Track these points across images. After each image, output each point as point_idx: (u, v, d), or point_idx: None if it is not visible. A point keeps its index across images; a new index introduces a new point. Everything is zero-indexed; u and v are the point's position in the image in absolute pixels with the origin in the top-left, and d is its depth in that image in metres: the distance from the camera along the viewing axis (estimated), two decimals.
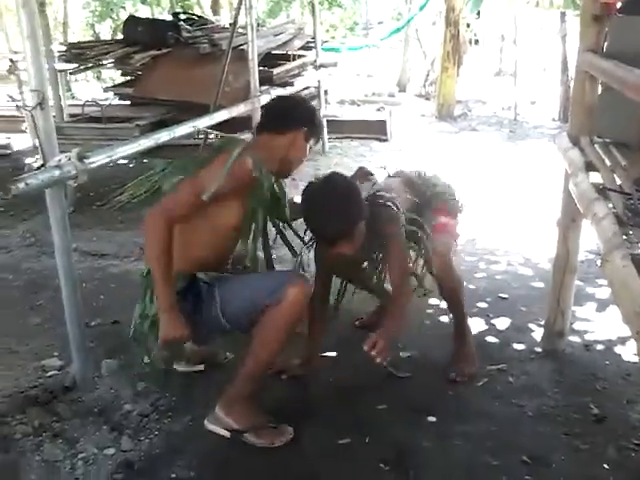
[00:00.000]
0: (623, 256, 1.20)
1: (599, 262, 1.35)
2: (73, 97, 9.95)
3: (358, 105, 9.72)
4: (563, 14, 8.53)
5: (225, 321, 2.10)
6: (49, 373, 2.57)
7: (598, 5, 2.18)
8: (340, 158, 6.40)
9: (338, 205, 2.07)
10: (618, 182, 1.78)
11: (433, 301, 3.05)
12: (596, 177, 2.00)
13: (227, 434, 2.17)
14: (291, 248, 2.47)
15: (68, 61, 5.17)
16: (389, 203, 2.30)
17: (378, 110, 8.99)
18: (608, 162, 1.96)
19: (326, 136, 6.65)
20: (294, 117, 2.20)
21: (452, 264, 2.49)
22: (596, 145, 2.21)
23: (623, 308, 1.15)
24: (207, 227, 2.11)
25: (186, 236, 2.10)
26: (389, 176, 2.76)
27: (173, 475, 2.01)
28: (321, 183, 2.18)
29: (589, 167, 2.04)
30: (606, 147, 2.15)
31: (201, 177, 2.05)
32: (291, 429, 2.18)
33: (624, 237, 1.35)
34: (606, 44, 2.23)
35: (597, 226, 1.50)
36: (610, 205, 1.62)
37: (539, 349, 2.70)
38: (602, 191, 1.70)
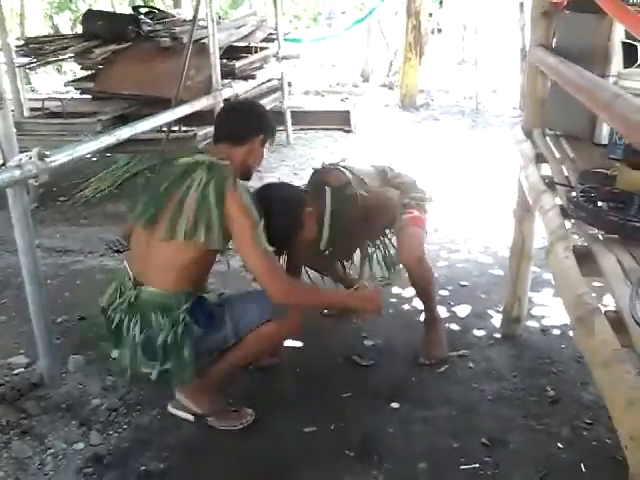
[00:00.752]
0: (565, 247, 1.27)
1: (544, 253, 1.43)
2: (33, 90, 9.77)
3: (322, 96, 9.74)
4: (522, 4, 8.66)
5: (234, 337, 2.14)
6: (15, 371, 2.57)
7: (547, 2, 2.25)
8: (304, 149, 6.43)
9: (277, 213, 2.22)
10: (566, 174, 1.86)
11: (396, 290, 3.12)
12: (547, 169, 2.09)
13: (191, 418, 2.24)
14: None
15: (26, 55, 5.08)
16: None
17: (342, 101, 9.03)
18: (558, 154, 2.04)
19: (290, 127, 6.68)
20: (249, 127, 2.22)
21: (423, 254, 2.59)
22: (548, 137, 2.29)
23: (564, 297, 1.23)
24: (211, 255, 2.13)
25: (193, 263, 2.07)
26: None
27: (143, 467, 2.05)
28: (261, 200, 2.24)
29: (540, 159, 2.12)
30: (557, 139, 2.24)
31: (253, 230, 2.00)
32: (251, 411, 2.27)
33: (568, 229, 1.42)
34: (555, 40, 2.31)
35: (544, 218, 1.57)
36: (557, 197, 1.69)
37: (498, 335, 2.79)
38: (549, 184, 1.78)
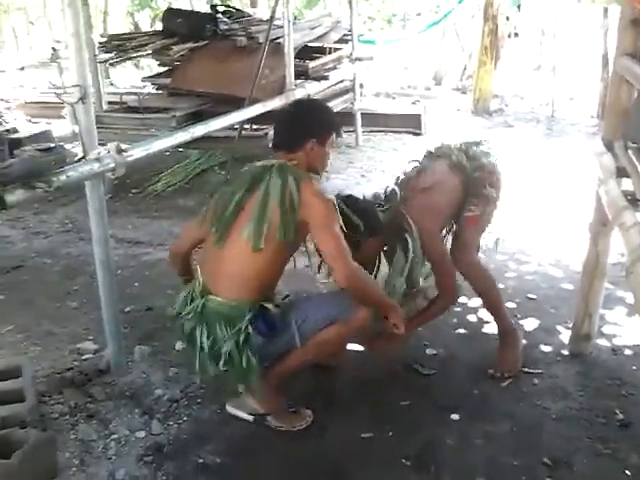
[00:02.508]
0: None
1: (624, 272, 1.36)
2: (112, 84, 10.12)
3: (393, 98, 9.68)
4: (606, 9, 8.35)
5: (299, 340, 2.14)
6: (84, 356, 2.67)
7: (637, 10, 2.16)
8: (373, 152, 6.40)
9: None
10: None
11: (461, 299, 3.06)
12: (628, 183, 2.00)
13: (249, 418, 2.26)
14: None
15: (108, 52, 5.27)
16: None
17: (413, 104, 8.95)
18: None
19: (360, 129, 6.66)
20: (297, 134, 2.20)
21: (478, 263, 2.54)
22: (630, 150, 2.19)
23: None
24: (280, 262, 2.15)
25: (264, 269, 2.10)
26: (432, 155, 2.78)
27: (200, 460, 2.09)
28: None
29: (621, 173, 2.03)
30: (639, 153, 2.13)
31: (330, 212, 2.07)
32: (310, 412, 2.27)
33: None
34: None
35: (624, 235, 1.51)
36: (639, 214, 1.62)
37: (566, 351, 2.70)
38: (632, 200, 1.70)
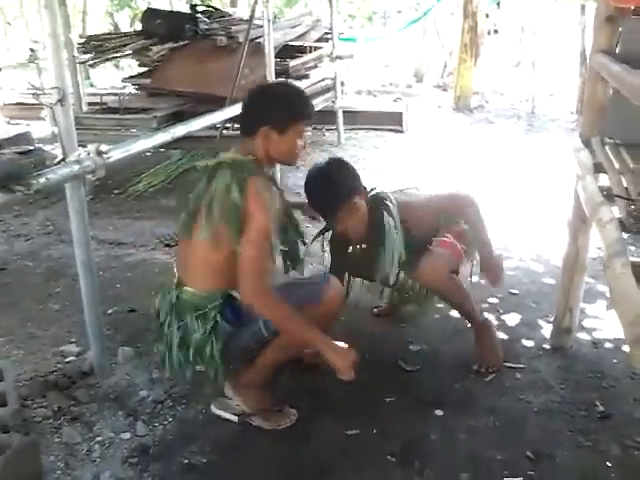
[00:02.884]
0: (623, 264, 1.24)
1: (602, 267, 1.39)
2: (92, 85, 10.03)
3: (375, 96, 9.72)
4: (583, 6, 8.45)
5: (266, 332, 2.10)
6: (67, 359, 2.66)
7: (612, 7, 2.19)
8: (355, 149, 6.42)
9: (331, 177, 2.40)
10: (625, 185, 1.80)
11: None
12: (606, 179, 2.02)
13: (234, 418, 2.25)
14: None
15: (87, 52, 5.23)
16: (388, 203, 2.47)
17: (395, 101, 8.99)
18: (617, 164, 1.98)
19: (342, 127, 6.68)
20: (253, 117, 2.11)
21: (440, 272, 2.48)
22: (607, 146, 2.22)
23: (620, 315, 1.19)
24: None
25: (224, 262, 2.07)
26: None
27: (186, 461, 2.08)
28: (316, 166, 2.47)
29: (598, 169, 2.06)
30: (617, 149, 2.17)
31: (259, 228, 1.98)
32: (294, 411, 2.27)
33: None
34: (619, 46, 2.24)
35: (601, 231, 1.53)
36: (615, 210, 1.64)
37: (547, 345, 2.73)
38: (608, 195, 1.72)
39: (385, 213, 2.44)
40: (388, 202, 2.48)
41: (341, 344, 2.06)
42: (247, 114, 2.16)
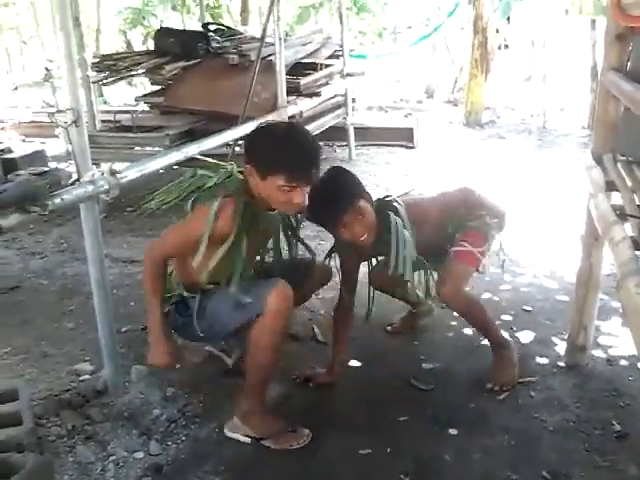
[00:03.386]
0: (637, 283, 1.23)
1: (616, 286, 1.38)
2: (105, 102, 10.15)
3: (386, 111, 9.75)
4: (593, 21, 8.45)
5: (201, 334, 2.22)
6: (81, 377, 2.67)
7: (622, 25, 2.19)
8: (367, 165, 6.43)
9: (332, 184, 2.33)
10: (638, 203, 1.80)
11: (455, 313, 3.07)
12: (618, 197, 2.02)
13: (247, 440, 2.25)
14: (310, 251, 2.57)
15: (100, 71, 5.30)
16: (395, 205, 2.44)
17: (405, 117, 9.01)
18: (629, 182, 1.97)
19: (353, 143, 6.70)
20: (245, 148, 2.13)
21: (461, 294, 2.53)
22: (619, 164, 2.22)
23: (635, 335, 1.18)
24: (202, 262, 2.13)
25: (185, 263, 2.22)
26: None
27: None
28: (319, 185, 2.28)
29: (610, 187, 2.05)
30: (629, 166, 2.16)
31: (188, 227, 2.22)
32: (308, 431, 2.26)
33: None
34: (630, 63, 2.24)
35: (614, 250, 1.53)
36: (628, 228, 1.64)
37: (562, 363, 2.70)
38: (621, 214, 1.72)
39: (391, 213, 2.39)
40: (395, 204, 2.45)
41: (166, 348, 2.19)
42: (245, 144, 2.18)
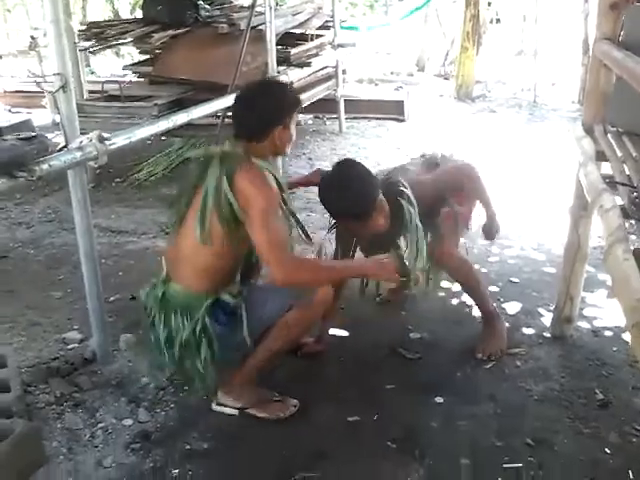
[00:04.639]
0: (624, 250, 1.24)
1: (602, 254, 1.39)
2: (92, 73, 10.00)
3: (376, 84, 9.68)
4: None
5: (258, 330, 2.12)
6: (70, 346, 2.67)
7: None
8: (357, 138, 6.40)
9: (352, 183, 2.24)
10: (628, 173, 1.80)
11: (444, 284, 3.09)
12: (608, 167, 2.02)
13: (235, 412, 2.25)
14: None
15: (88, 39, 5.21)
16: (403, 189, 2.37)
17: (396, 90, 8.95)
18: (619, 153, 1.98)
19: (343, 116, 6.66)
20: (266, 123, 2.08)
21: (456, 254, 2.55)
22: (609, 134, 2.22)
23: (622, 301, 1.19)
24: (230, 250, 2.07)
25: (214, 260, 2.07)
26: (412, 159, 2.81)
27: (187, 447, 2.10)
28: (336, 168, 2.31)
29: (600, 157, 2.06)
30: (619, 137, 2.16)
31: (266, 213, 1.97)
32: (296, 401, 2.27)
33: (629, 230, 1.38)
34: (622, 33, 2.23)
35: (603, 218, 1.53)
36: (617, 197, 1.65)
37: (548, 334, 2.74)
38: (610, 183, 1.73)
39: (404, 202, 2.34)
40: (403, 188, 2.38)
41: (378, 258, 2.13)
42: (258, 121, 2.08)
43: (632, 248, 1.32)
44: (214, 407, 2.29)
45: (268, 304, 2.12)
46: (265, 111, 2.08)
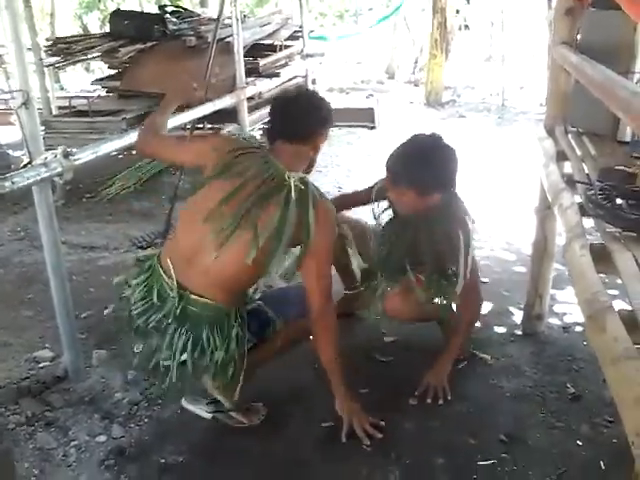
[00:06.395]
0: (582, 245, 1.27)
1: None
2: (62, 89, 9.93)
3: (347, 93, 9.74)
4: (550, 0, 8.56)
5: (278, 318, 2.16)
6: (41, 364, 2.64)
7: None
8: (327, 147, 6.39)
9: (443, 156, 2.26)
10: (587, 172, 1.84)
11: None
12: (569, 167, 2.07)
13: (206, 415, 2.23)
14: None
15: (54, 55, 5.18)
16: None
17: (367, 98, 9.02)
18: (579, 152, 2.02)
19: None
20: (316, 121, 2.06)
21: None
22: (570, 135, 2.27)
23: (579, 294, 1.22)
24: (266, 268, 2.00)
25: (244, 279, 2.03)
26: None
27: (162, 460, 2.08)
28: (428, 138, 2.32)
29: (561, 157, 2.10)
30: (579, 137, 2.21)
31: (329, 254, 2.02)
32: (262, 405, 2.28)
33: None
34: (579, 37, 2.28)
35: (562, 215, 1.56)
36: (577, 195, 1.68)
37: (519, 332, 2.78)
38: (569, 181, 1.76)
39: (461, 235, 2.25)
40: (468, 221, 2.33)
41: (356, 405, 2.16)
42: (308, 118, 2.05)
43: (589, 243, 1.35)
44: (184, 404, 2.26)
45: (285, 310, 2.16)
46: (319, 112, 2.08)
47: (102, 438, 2.19)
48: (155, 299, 2.02)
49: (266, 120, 2.17)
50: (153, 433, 2.22)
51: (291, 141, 2.03)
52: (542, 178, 2.16)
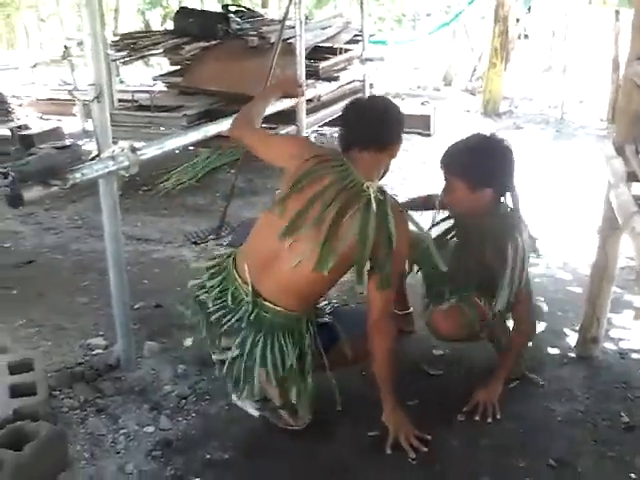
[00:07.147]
0: None
1: (633, 276, 1.37)
2: (122, 82, 10.15)
3: (403, 99, 9.69)
4: (617, 12, 8.34)
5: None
6: (95, 351, 2.70)
7: None
8: None
9: (504, 154, 2.26)
10: None
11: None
12: (639, 188, 2.01)
13: (255, 413, 2.24)
14: None
15: (120, 50, 5.30)
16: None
17: (422, 104, 8.95)
18: None
19: None
20: (396, 133, 2.06)
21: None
22: None
23: None
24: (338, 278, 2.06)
25: (317, 288, 2.05)
26: None
27: (208, 456, 2.11)
28: (483, 134, 2.35)
29: (632, 177, 2.04)
30: None
31: (402, 259, 2.06)
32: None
33: None
34: None
35: (634, 240, 1.52)
36: None
37: (573, 354, 2.71)
38: None
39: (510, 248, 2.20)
40: (525, 235, 2.31)
41: (404, 417, 2.15)
42: (390, 127, 2.04)
43: None
44: (234, 400, 2.27)
45: (354, 328, 2.11)
46: (397, 119, 2.07)
47: (150, 429, 2.23)
48: (229, 302, 2.05)
49: (338, 126, 2.15)
50: (200, 428, 2.24)
51: (368, 149, 2.01)
52: (611, 199, 2.10)
